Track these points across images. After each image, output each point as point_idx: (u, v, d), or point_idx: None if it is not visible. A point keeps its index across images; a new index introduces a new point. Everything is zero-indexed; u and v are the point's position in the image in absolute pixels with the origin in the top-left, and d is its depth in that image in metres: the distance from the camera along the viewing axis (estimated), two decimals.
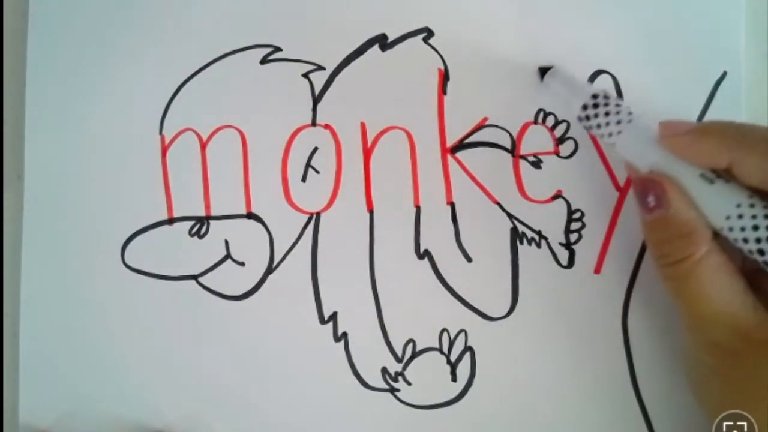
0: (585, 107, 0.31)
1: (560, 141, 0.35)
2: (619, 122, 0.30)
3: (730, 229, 0.27)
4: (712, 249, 0.28)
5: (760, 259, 0.27)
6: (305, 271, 0.36)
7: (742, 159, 0.27)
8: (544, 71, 0.33)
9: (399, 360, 0.36)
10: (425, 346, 0.36)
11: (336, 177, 0.36)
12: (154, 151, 0.37)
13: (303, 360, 0.36)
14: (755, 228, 0.27)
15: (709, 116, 0.34)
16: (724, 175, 0.28)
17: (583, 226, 0.35)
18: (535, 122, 0.35)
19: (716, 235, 0.28)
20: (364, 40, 0.36)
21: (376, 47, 0.36)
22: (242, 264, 0.37)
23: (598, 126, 0.31)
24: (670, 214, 0.28)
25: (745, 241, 0.27)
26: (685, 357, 0.31)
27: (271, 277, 0.37)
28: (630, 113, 0.30)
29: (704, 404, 0.30)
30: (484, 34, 0.35)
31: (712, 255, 0.28)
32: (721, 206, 0.27)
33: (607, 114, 0.30)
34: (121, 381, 0.37)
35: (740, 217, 0.27)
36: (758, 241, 0.26)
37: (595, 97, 0.31)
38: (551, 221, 0.35)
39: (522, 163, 0.35)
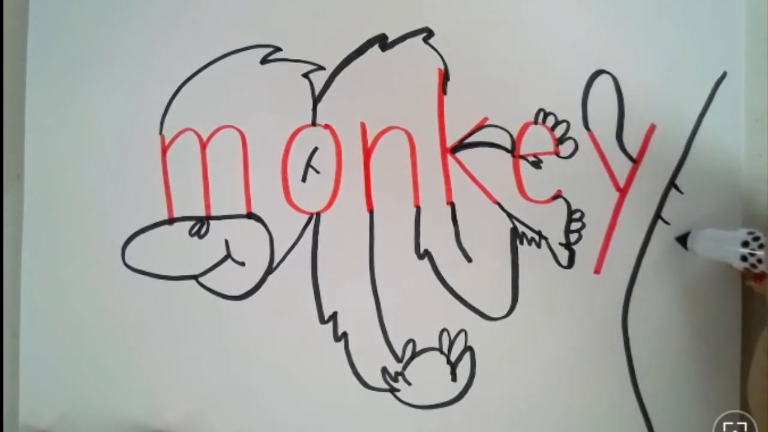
0: (746, 243, 0.30)
1: (560, 141, 0.35)
2: None
3: None
4: None
5: None
6: (305, 271, 0.36)
7: None
8: (683, 240, 0.33)
9: (399, 360, 0.36)
10: (425, 346, 0.36)
11: (336, 177, 0.36)
12: (154, 151, 0.37)
13: (303, 360, 0.36)
14: None
15: (709, 116, 0.34)
16: None
17: (583, 226, 0.35)
18: (535, 122, 0.35)
19: None
20: (364, 40, 0.36)
21: (376, 47, 0.36)
22: (242, 264, 0.37)
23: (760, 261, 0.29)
24: None
25: None
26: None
27: (271, 277, 0.37)
28: None
29: None
30: (484, 34, 0.35)
31: None
32: None
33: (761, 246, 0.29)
34: (121, 381, 0.37)
35: None
36: None
37: (750, 233, 0.30)
38: (551, 221, 0.35)
39: (522, 163, 0.35)
